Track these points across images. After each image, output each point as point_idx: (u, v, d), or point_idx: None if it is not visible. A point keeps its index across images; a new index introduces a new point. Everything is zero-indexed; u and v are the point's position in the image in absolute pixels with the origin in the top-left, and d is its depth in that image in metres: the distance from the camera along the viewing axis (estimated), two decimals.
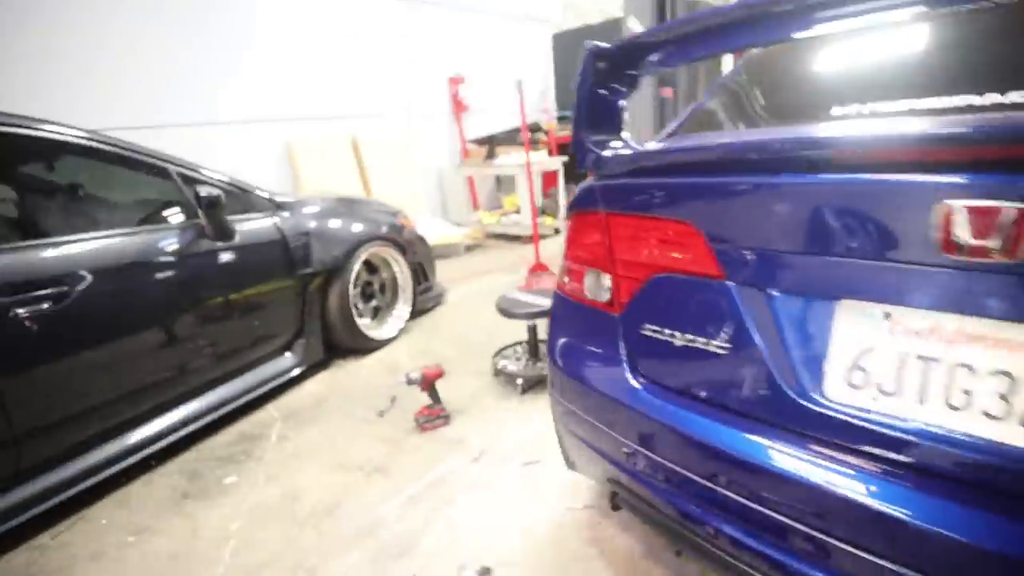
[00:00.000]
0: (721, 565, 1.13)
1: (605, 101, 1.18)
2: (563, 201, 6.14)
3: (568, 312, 1.42)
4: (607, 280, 1.28)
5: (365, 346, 3.14)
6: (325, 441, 2.30)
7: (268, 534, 1.79)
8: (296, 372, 2.77)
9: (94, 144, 2.05)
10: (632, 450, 1.22)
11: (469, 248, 5.54)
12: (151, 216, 2.34)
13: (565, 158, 5.85)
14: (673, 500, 1.15)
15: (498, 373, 2.73)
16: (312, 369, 2.93)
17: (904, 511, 0.83)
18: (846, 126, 0.99)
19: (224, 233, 2.36)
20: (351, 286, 2.97)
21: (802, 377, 0.97)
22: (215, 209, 2.24)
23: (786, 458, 0.97)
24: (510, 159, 5.56)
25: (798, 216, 0.94)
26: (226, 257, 2.41)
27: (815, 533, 0.93)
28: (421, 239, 3.65)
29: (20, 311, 1.73)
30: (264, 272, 2.61)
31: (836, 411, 0.93)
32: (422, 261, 3.58)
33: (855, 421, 0.92)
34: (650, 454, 1.18)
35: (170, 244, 2.20)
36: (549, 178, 6.28)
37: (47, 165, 2.26)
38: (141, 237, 2.14)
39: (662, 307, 1.16)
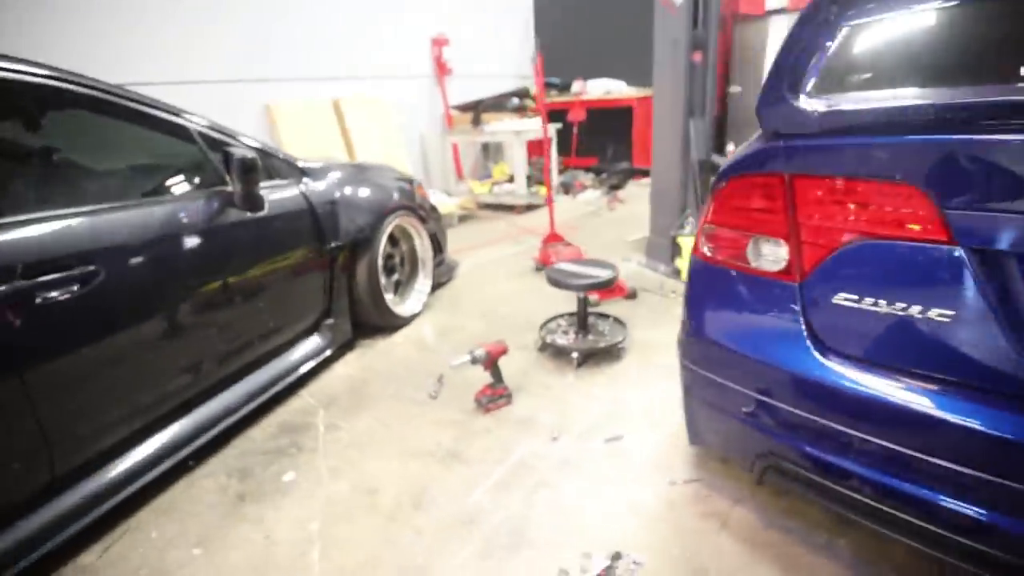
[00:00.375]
0: (914, 533, 1.09)
1: (813, 51, 1.05)
2: (555, 170, 5.99)
3: (721, 282, 1.32)
4: (780, 247, 1.19)
5: (391, 323, 2.94)
6: (381, 428, 2.13)
7: (356, 533, 1.63)
8: (326, 354, 2.55)
9: (100, 95, 1.72)
10: (816, 423, 1.15)
11: (462, 219, 5.33)
12: (166, 183, 2.03)
13: (559, 125, 5.70)
14: (869, 473, 1.09)
15: (545, 347, 2.62)
16: (339, 351, 2.71)
17: None
18: None
19: (255, 203, 2.09)
20: (380, 259, 2.75)
21: None
22: (251, 175, 1.97)
23: None
24: (502, 126, 5.34)
25: None
26: (256, 230, 2.14)
27: None
28: (434, 208, 3.45)
29: (48, 295, 1.45)
30: (294, 246, 2.35)
31: None
32: (436, 232, 3.38)
33: None
34: (841, 427, 1.11)
35: (198, 215, 1.92)
36: (532, 146, 6.11)
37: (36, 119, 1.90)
38: (165, 208, 1.85)
39: (863, 274, 1.08)
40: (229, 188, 2.03)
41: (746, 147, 1.29)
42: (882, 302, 1.06)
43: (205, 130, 2.03)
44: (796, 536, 1.51)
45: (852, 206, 1.07)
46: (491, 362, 2.16)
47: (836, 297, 1.11)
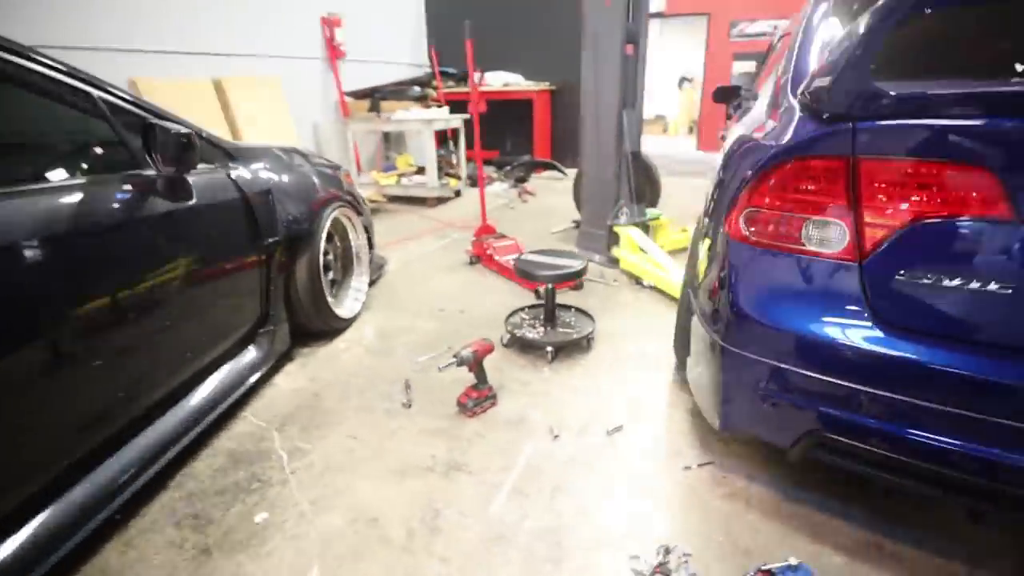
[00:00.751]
0: (960, 489, 1.19)
1: (884, 37, 1.06)
2: (463, 161, 5.83)
3: (770, 264, 1.31)
4: (839, 228, 1.22)
5: (332, 327, 2.62)
6: (358, 446, 1.87)
7: (371, 573, 1.39)
8: (266, 368, 2.19)
9: None
10: (878, 396, 1.19)
11: (371, 212, 4.95)
12: (66, 164, 1.57)
13: (466, 116, 5.53)
14: (932, 439, 1.15)
15: (513, 341, 2.50)
16: (278, 362, 2.35)
17: None
18: None
19: (183, 190, 1.71)
20: (321, 256, 2.42)
21: None
22: (188, 156, 1.60)
23: None
24: (409, 115, 5.06)
25: None
26: (183, 224, 1.75)
27: None
28: (363, 199, 3.14)
29: None
30: (226, 243, 1.97)
31: None
32: (369, 226, 3.09)
33: None
34: (905, 397, 1.16)
35: (112, 205, 1.51)
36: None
37: None
38: (70, 196, 1.41)
39: (926, 252, 1.13)
40: (149, 172, 1.63)
41: (790, 129, 1.30)
42: (945, 277, 1.12)
43: (115, 100, 1.60)
44: (814, 505, 1.59)
45: (919, 187, 1.12)
46: (477, 362, 2.00)
47: (899, 274, 1.16)
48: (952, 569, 1.38)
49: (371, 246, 3.10)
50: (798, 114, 1.36)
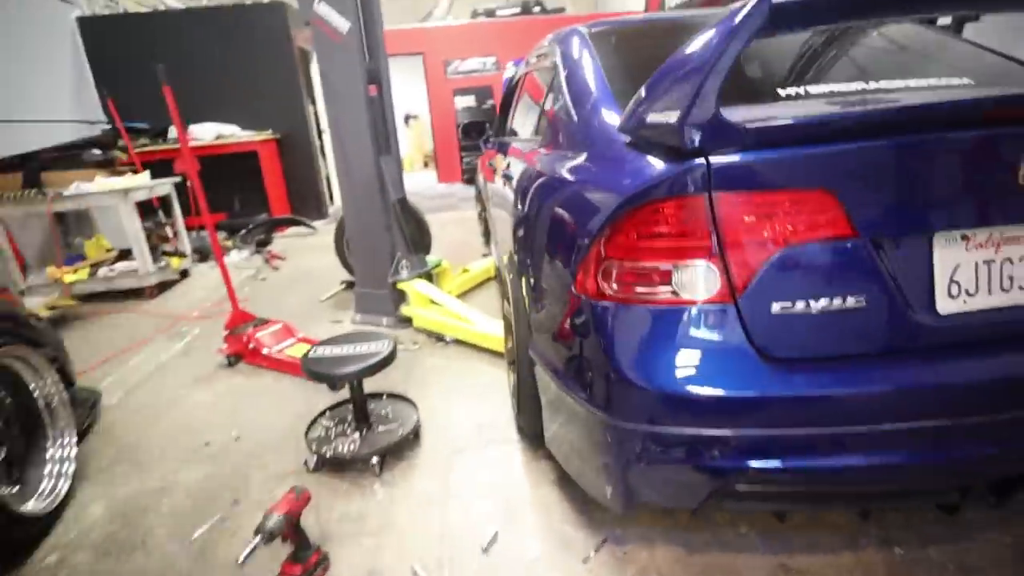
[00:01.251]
0: (861, 499, 1.20)
1: (726, 69, 0.95)
2: (184, 233, 4.70)
3: (642, 322, 1.14)
4: (708, 271, 1.10)
5: (20, 536, 1.66)
6: None
7: None
8: None
9: None
10: (781, 434, 1.12)
11: (57, 323, 3.59)
12: None
13: (176, 179, 4.45)
14: (848, 461, 1.11)
15: (323, 464, 1.94)
16: None
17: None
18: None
19: None
20: None
21: (927, 301, 1.10)
22: None
23: (941, 370, 1.10)
24: (92, 186, 3.83)
25: (927, 168, 1.06)
26: None
27: (961, 420, 1.10)
28: (40, 318, 2.16)
29: None
30: None
31: (947, 320, 1.11)
32: (60, 356, 2.13)
33: (957, 323, 1.11)
34: (809, 429, 1.11)
35: None
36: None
37: None
38: None
39: (793, 280, 1.09)
40: None
41: (632, 170, 1.17)
42: (812, 301, 1.09)
43: None
44: (713, 545, 1.50)
45: (774, 217, 1.07)
46: (292, 525, 1.42)
47: (772, 307, 1.10)
48: (842, 561, 1.42)
49: (69, 382, 2.14)
50: (630, 153, 1.24)
